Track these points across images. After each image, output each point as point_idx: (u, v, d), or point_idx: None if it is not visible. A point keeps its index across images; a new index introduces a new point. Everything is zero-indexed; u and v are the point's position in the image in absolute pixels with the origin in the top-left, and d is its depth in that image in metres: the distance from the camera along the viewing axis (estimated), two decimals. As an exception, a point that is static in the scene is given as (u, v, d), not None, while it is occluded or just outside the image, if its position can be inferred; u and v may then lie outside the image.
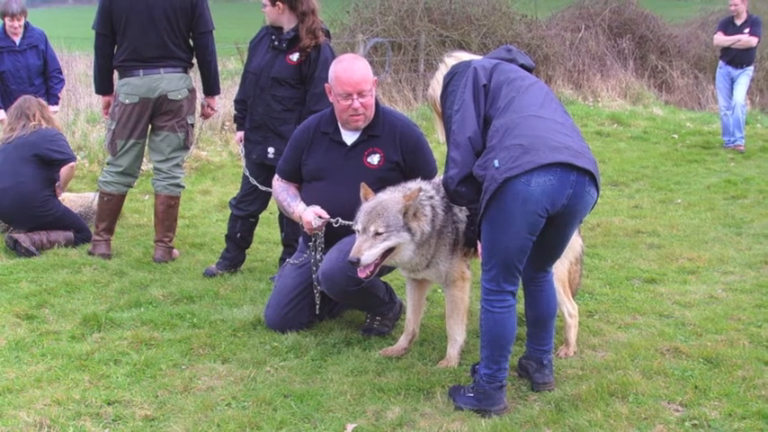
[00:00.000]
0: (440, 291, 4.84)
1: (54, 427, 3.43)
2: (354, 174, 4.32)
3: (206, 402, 3.65)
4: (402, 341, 4.30)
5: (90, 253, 5.90)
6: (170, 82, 5.68)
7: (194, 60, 5.84)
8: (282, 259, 5.45)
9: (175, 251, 6.02)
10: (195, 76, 6.13)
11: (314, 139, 4.51)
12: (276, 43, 5.26)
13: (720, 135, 11.34)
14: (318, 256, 4.40)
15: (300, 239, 4.76)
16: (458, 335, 4.15)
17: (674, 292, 5.25)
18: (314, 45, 5.17)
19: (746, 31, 10.64)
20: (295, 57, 5.19)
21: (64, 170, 6.45)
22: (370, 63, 4.65)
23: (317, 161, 4.49)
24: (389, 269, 4.41)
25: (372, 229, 3.80)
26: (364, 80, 4.32)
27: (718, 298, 5.12)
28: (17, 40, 7.61)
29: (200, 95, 6.14)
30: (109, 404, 3.66)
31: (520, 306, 3.79)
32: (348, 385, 3.83)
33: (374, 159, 4.43)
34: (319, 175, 4.48)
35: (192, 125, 5.97)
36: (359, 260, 3.77)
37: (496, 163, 3.38)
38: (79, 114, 10.00)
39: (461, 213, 4.09)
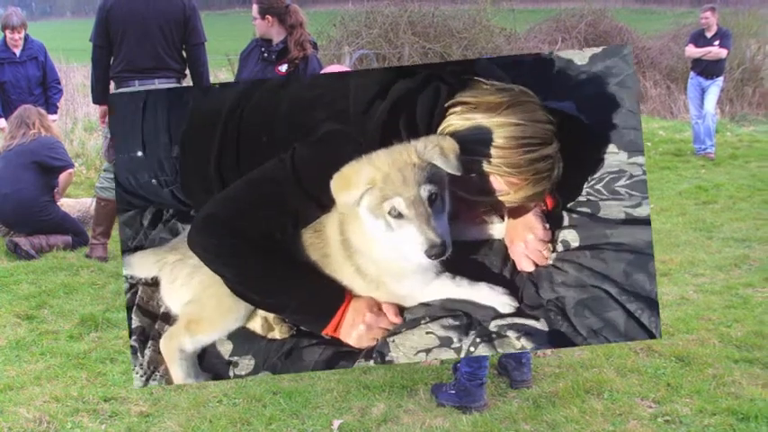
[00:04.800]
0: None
1: (53, 423, 3.45)
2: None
3: (198, 399, 3.68)
4: (387, 341, 4.39)
5: (87, 256, 5.94)
6: (164, 92, 5.76)
7: (187, 71, 5.86)
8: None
9: (169, 254, 6.10)
10: (188, 87, 6.24)
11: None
12: (266, 55, 5.35)
13: (692, 143, 11.34)
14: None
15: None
16: (441, 334, 4.24)
17: (646, 293, 5.35)
18: (302, 57, 5.26)
19: (716, 43, 10.71)
20: (284, 68, 5.27)
21: (62, 176, 6.48)
22: (356, 74, 4.75)
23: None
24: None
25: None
26: (350, 90, 4.44)
27: (689, 299, 5.13)
28: (17, 51, 7.63)
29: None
30: (105, 401, 3.69)
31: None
32: (335, 383, 3.85)
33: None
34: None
35: (185, 133, 6.05)
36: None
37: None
38: (77, 123, 9.98)
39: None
